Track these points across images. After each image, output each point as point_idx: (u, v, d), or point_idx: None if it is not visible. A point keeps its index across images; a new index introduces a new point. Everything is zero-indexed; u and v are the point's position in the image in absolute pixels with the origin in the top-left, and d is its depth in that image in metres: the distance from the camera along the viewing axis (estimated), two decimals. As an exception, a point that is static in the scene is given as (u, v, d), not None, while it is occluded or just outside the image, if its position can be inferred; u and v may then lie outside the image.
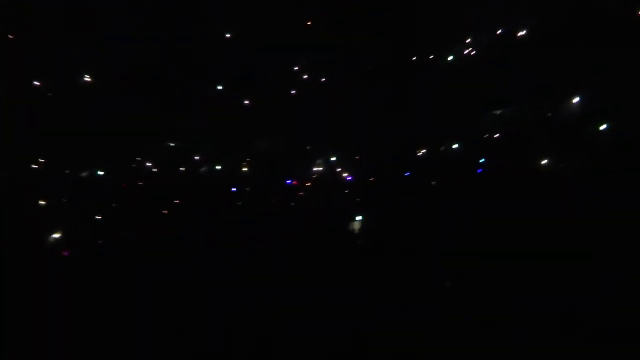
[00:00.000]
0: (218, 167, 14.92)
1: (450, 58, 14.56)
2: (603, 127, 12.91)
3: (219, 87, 14.98)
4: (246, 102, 15.12)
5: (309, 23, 15.08)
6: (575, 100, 13.85)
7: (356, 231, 14.37)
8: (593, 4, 13.26)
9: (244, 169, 15.24)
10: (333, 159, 14.85)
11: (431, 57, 14.59)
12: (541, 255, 12.61)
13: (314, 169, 14.94)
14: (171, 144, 15.35)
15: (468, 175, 14.38)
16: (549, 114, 14.09)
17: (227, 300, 13.37)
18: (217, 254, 14.63)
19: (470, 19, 14.44)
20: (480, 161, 14.25)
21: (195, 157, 15.04)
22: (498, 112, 14.33)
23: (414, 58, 14.78)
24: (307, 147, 15.04)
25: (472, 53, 14.45)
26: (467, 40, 14.29)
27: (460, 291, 12.81)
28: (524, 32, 14.16)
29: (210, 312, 13.23)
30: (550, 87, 14.11)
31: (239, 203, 14.90)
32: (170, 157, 15.32)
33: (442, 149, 14.48)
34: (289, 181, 15.09)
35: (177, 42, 15.06)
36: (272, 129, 15.09)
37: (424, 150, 14.61)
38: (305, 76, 15.12)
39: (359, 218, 14.46)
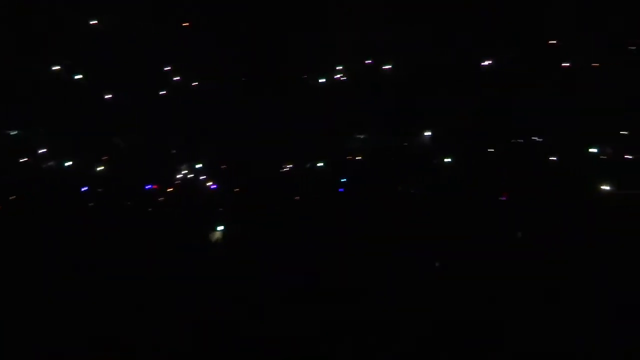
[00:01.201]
0: (68, 164, 10.77)
1: (322, 80, 11.89)
2: (448, 159, 11.20)
3: (78, 77, 11.01)
4: (107, 96, 11.12)
5: (186, 24, 11.53)
6: (427, 133, 11.86)
7: (217, 241, 11.28)
8: (447, 51, 11.61)
9: (99, 168, 11.07)
10: (199, 165, 11.47)
11: (304, 76, 11.82)
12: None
13: (178, 175, 11.49)
14: (11, 133, 10.75)
15: (330, 193, 11.76)
16: (406, 143, 11.99)
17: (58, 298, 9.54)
18: (53, 257, 10.46)
19: (346, 46, 12.00)
20: (342, 180, 11.65)
21: (41, 150, 10.75)
22: (362, 136, 11.93)
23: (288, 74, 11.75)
24: (173, 151, 11.54)
25: (342, 78, 11.84)
26: (339, 67, 11.77)
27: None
28: (390, 65, 11.78)
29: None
30: (407, 119, 12.02)
31: (90, 204, 10.93)
32: (9, 147, 10.75)
33: (307, 166, 11.80)
34: (149, 185, 11.25)
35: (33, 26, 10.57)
36: (135, 127, 11.48)
37: (290, 166, 11.68)
38: (178, 78, 11.46)
39: (220, 228, 11.22)
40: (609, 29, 10.85)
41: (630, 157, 10.78)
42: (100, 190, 10.68)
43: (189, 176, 11.02)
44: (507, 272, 10.21)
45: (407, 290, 10.06)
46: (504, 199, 11.10)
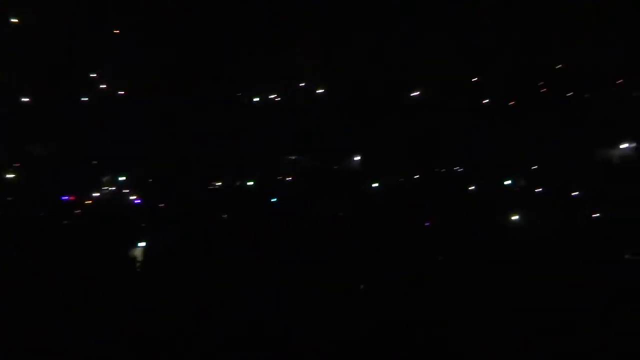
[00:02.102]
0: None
1: (256, 99, 9.65)
2: (375, 184, 9.55)
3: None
4: (25, 99, 8.36)
5: (117, 32, 8.94)
6: (357, 158, 10.00)
7: (137, 259, 8.46)
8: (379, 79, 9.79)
9: (9, 175, 8.24)
10: (122, 178, 8.87)
11: (239, 94, 9.58)
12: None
13: (103, 188, 8.79)
14: None
15: (260, 211, 9.30)
16: (336, 167, 9.91)
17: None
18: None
19: (281, 68, 9.69)
20: (272, 200, 9.36)
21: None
22: (293, 157, 9.72)
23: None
24: (94, 162, 8.83)
25: (276, 99, 9.69)
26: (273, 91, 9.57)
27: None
28: (323, 90, 9.70)
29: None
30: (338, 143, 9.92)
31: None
32: None
33: (237, 184, 9.40)
34: (66, 197, 8.44)
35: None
36: (53, 135, 8.64)
37: (219, 183, 9.31)
38: (104, 85, 8.87)
39: (141, 244, 8.49)
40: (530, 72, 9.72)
41: (540, 189, 9.49)
42: (9, 198, 8.04)
43: (110, 189, 8.70)
44: (426, 293, 8.28)
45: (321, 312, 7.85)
46: (428, 224, 9.28)
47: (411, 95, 9.56)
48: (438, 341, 7.17)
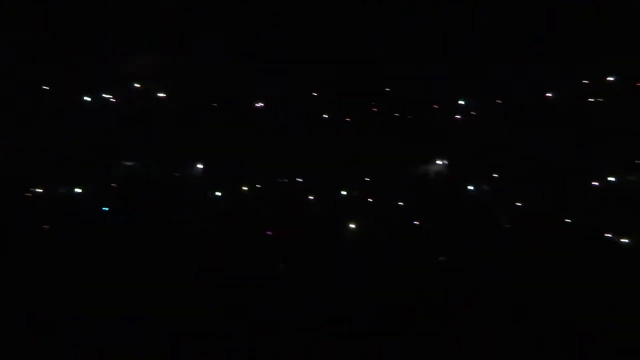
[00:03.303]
0: None
1: (87, 99, 6.84)
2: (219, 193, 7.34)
3: None
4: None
5: None
6: (200, 165, 7.52)
7: None
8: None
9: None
10: None
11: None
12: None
13: None
14: None
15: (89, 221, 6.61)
16: (177, 174, 7.29)
17: None
18: None
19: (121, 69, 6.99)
20: (104, 209, 6.74)
21: None
22: (130, 163, 6.96)
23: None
24: None
25: (112, 100, 6.94)
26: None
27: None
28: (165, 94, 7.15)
29: None
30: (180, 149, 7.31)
31: None
32: None
33: (62, 191, 6.54)
34: None
35: None
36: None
37: (40, 190, 6.45)
38: None
39: None
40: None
41: (371, 200, 7.98)
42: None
43: None
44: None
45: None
46: (270, 234, 7.43)
47: (256, 105, 7.34)
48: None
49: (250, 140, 7.73)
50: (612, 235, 6.88)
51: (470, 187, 7.73)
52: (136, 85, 6.80)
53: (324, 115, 8.10)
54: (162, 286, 6.14)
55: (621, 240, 6.83)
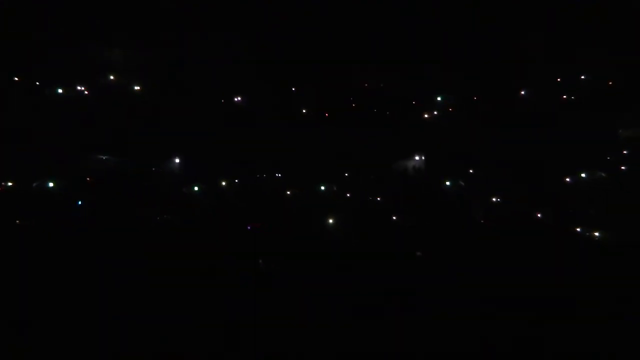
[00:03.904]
0: None
1: (60, 90, 6.59)
2: (196, 188, 7.20)
3: None
4: None
5: None
6: (177, 160, 7.35)
7: None
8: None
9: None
10: None
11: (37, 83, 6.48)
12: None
13: None
14: None
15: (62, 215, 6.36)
16: (154, 169, 7.18)
17: None
18: None
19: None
20: (78, 203, 6.47)
21: None
22: (104, 157, 6.77)
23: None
24: None
25: (85, 92, 6.73)
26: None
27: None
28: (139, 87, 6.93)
29: None
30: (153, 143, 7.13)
31: None
32: None
33: (34, 185, 6.32)
34: None
35: None
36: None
37: (10, 184, 6.24)
38: None
39: None
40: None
41: (349, 195, 7.94)
42: None
43: None
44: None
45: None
46: (250, 228, 7.33)
47: (236, 99, 7.30)
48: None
49: (229, 135, 7.57)
50: (582, 229, 7.01)
51: (447, 183, 7.76)
52: (111, 77, 6.57)
53: (303, 110, 7.99)
54: (139, 281, 5.96)
55: (591, 234, 6.96)
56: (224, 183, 7.42)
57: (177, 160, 7.36)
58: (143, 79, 6.88)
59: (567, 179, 7.44)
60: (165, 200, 7.00)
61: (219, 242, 6.90)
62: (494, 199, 7.69)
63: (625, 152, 7.50)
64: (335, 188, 8.19)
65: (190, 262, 6.48)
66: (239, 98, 7.61)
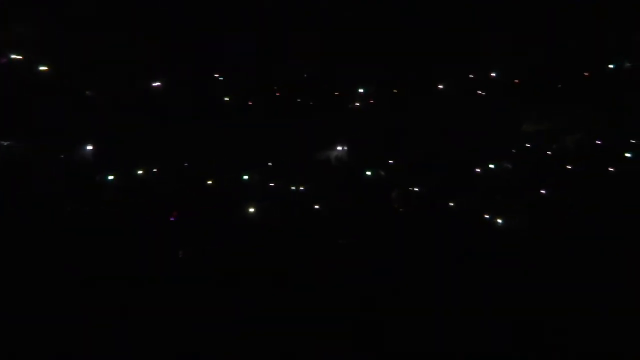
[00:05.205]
0: None
1: None
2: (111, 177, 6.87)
3: None
4: None
5: None
6: (89, 147, 6.92)
7: None
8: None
9: None
10: None
11: None
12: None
13: None
14: None
15: None
16: (62, 155, 6.72)
17: None
18: None
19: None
20: None
21: None
22: (5, 143, 6.28)
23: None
24: None
25: None
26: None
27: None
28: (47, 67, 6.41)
29: None
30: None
31: None
32: None
33: None
34: None
35: None
36: None
37: None
38: None
39: None
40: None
41: (272, 184, 7.87)
42: None
43: None
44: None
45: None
46: (173, 219, 7.05)
47: (153, 84, 6.91)
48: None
49: (148, 123, 7.08)
50: (490, 216, 7.43)
51: (368, 173, 7.85)
52: (15, 56, 5.88)
53: (225, 99, 7.66)
54: (46, 277, 5.42)
55: (497, 221, 7.40)
56: (140, 172, 6.92)
57: (89, 148, 6.75)
58: (53, 58, 6.21)
59: (477, 170, 7.84)
60: (76, 190, 6.39)
61: (136, 234, 6.43)
62: (411, 189, 7.91)
63: (527, 145, 8.05)
64: (257, 177, 7.98)
65: (104, 255, 5.98)
66: (159, 83, 7.12)
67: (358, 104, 7.99)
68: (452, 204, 7.54)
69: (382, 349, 5.47)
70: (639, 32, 7.25)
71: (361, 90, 7.98)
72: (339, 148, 8.29)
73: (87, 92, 6.48)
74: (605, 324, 5.40)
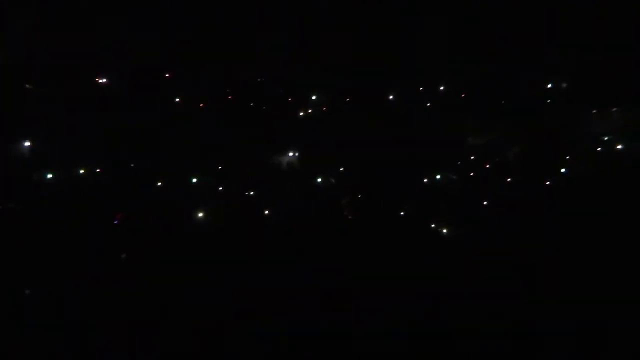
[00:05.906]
0: None
1: None
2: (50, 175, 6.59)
3: None
4: None
5: None
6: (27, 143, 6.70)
7: None
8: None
9: None
10: None
11: None
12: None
13: None
14: None
15: None
16: None
17: None
18: None
19: None
20: None
21: None
22: None
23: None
24: None
25: None
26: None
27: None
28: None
29: None
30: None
31: None
32: None
33: None
34: None
35: None
36: None
37: None
38: None
39: None
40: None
41: (221, 188, 7.68)
42: None
43: None
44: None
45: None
46: (117, 222, 6.78)
47: (99, 81, 6.67)
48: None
49: (93, 120, 6.74)
50: (435, 225, 7.61)
51: (319, 180, 7.83)
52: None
53: (176, 100, 7.42)
54: None
55: (443, 230, 7.61)
56: (82, 171, 6.56)
57: (27, 144, 6.33)
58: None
59: (425, 180, 8.02)
60: (9, 188, 5.97)
61: (76, 235, 6.09)
62: (360, 196, 7.96)
63: (472, 157, 8.33)
64: (208, 181, 7.76)
65: (41, 258, 5.61)
66: (104, 80, 6.80)
67: (310, 111, 7.97)
68: (401, 212, 7.67)
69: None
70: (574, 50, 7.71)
71: (314, 97, 7.97)
72: (290, 154, 8.23)
73: (27, 86, 6.07)
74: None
